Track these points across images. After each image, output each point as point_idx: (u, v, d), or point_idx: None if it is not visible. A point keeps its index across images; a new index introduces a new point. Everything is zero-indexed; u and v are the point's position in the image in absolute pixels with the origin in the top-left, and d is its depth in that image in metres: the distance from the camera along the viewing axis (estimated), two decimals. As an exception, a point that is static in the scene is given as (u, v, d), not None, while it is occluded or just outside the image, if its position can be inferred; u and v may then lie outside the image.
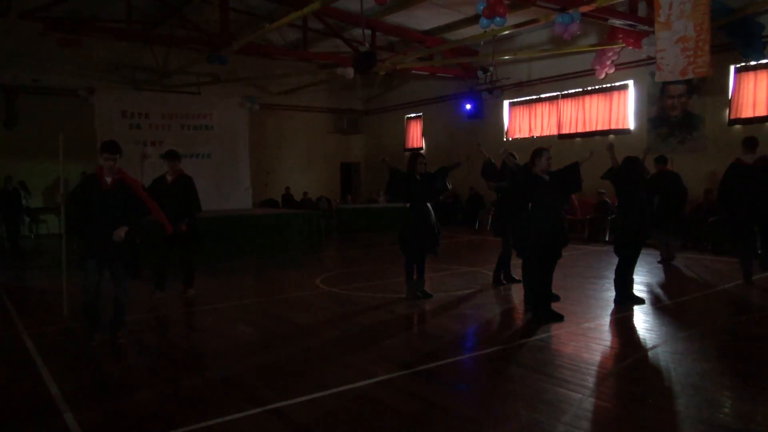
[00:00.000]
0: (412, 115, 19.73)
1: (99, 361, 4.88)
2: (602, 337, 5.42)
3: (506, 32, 11.85)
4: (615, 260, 6.67)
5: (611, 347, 5.14)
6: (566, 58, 14.04)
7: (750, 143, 7.75)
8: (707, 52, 8.90)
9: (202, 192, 15.60)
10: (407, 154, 19.07)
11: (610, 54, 12.85)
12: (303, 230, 13.71)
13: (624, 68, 13.16)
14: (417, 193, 6.92)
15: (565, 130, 14.82)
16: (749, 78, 11.40)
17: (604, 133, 13.97)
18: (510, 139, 16.19)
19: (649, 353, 4.89)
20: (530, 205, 5.99)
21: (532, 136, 15.51)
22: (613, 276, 6.67)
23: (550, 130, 15.19)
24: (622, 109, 13.60)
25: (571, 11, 9.59)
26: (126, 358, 5.02)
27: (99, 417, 3.75)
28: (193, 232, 7.49)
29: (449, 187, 7.33)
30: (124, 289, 5.24)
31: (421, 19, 14.39)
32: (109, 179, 5.11)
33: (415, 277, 7.11)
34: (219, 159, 15.74)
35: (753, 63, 11.21)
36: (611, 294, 6.72)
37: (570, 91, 14.64)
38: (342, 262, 10.63)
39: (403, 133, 20.07)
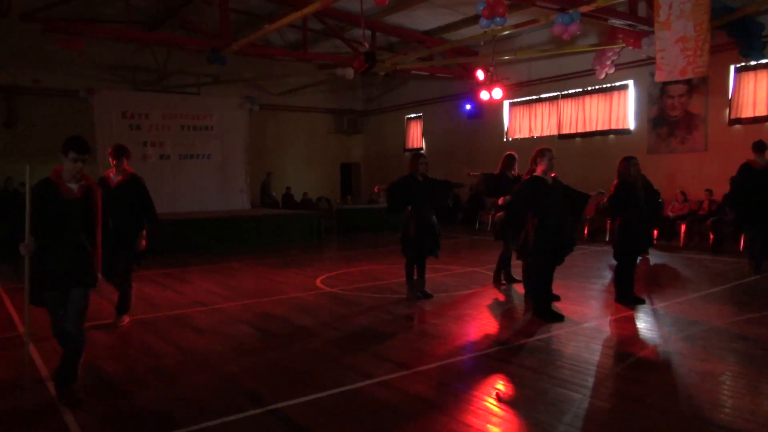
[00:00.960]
0: (412, 115, 19.74)
1: (99, 362, 4.87)
2: (602, 337, 5.42)
3: (506, 32, 11.85)
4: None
5: (611, 347, 5.13)
6: (566, 58, 14.05)
7: (760, 147, 8.02)
8: (707, 51, 8.90)
9: (203, 192, 15.76)
10: (407, 154, 19.18)
11: (610, 54, 12.87)
12: (303, 231, 13.71)
13: (624, 68, 13.16)
14: (418, 194, 6.91)
15: (565, 131, 14.82)
16: (749, 78, 11.41)
17: (604, 134, 13.99)
18: (510, 139, 16.20)
19: (650, 353, 4.89)
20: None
21: (532, 137, 15.51)
22: (613, 276, 6.66)
23: (550, 130, 15.19)
24: (623, 109, 13.61)
25: (570, 11, 9.59)
26: (126, 358, 5.01)
27: (99, 417, 3.74)
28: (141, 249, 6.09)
29: (450, 204, 7.30)
30: (80, 320, 4.04)
31: (421, 20, 14.40)
32: (74, 186, 4.01)
33: (415, 277, 7.11)
34: (219, 160, 15.76)
35: (753, 63, 11.21)
36: (611, 294, 6.71)
37: (570, 91, 14.65)
38: (342, 263, 10.63)
39: (403, 134, 20.08)
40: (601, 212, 6.87)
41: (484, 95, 12.92)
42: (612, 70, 13.11)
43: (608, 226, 12.22)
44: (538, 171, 5.95)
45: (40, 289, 3.99)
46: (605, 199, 6.67)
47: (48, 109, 14.89)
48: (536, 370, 4.44)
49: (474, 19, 12.67)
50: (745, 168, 8.10)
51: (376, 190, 7.62)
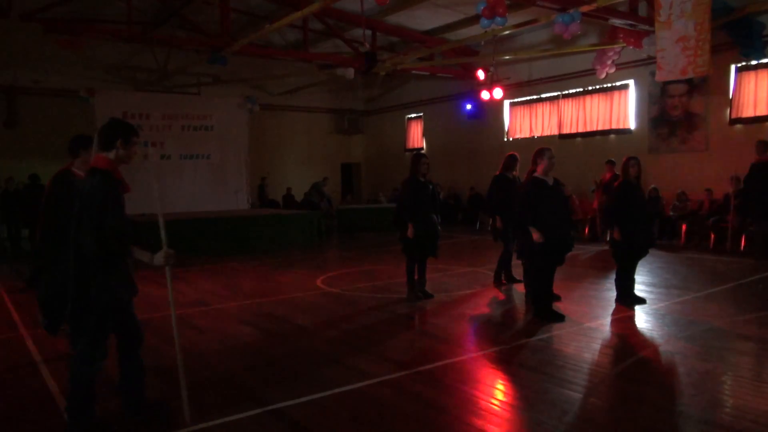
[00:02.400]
0: (413, 115, 19.73)
1: (99, 362, 4.87)
2: (603, 337, 5.41)
3: (506, 32, 11.84)
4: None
5: (612, 347, 5.13)
6: (567, 58, 14.03)
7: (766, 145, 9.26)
8: (708, 51, 8.89)
9: (203, 192, 15.79)
10: (408, 154, 19.17)
11: (611, 54, 12.84)
12: (304, 231, 13.71)
13: (625, 68, 13.15)
14: (421, 195, 6.89)
15: (566, 130, 14.82)
16: (750, 77, 11.39)
17: (604, 133, 13.98)
18: (510, 139, 16.19)
19: (651, 353, 4.88)
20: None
21: (533, 136, 15.50)
22: (614, 276, 6.67)
23: (551, 130, 15.18)
24: (623, 108, 13.60)
25: (571, 11, 9.58)
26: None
27: (99, 417, 3.74)
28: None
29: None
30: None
31: (422, 20, 14.39)
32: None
33: (416, 277, 7.11)
34: (219, 160, 15.77)
35: (754, 62, 11.21)
36: (612, 294, 6.71)
37: (571, 91, 14.64)
38: (343, 263, 10.63)
39: (403, 134, 20.08)
40: (607, 215, 6.85)
41: (484, 95, 12.91)
42: (612, 70, 13.10)
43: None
44: (539, 171, 5.93)
45: (107, 311, 3.34)
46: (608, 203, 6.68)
47: (49, 110, 14.90)
48: (537, 370, 4.44)
49: (474, 19, 12.66)
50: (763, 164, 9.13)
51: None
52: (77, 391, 3.38)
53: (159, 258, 3.33)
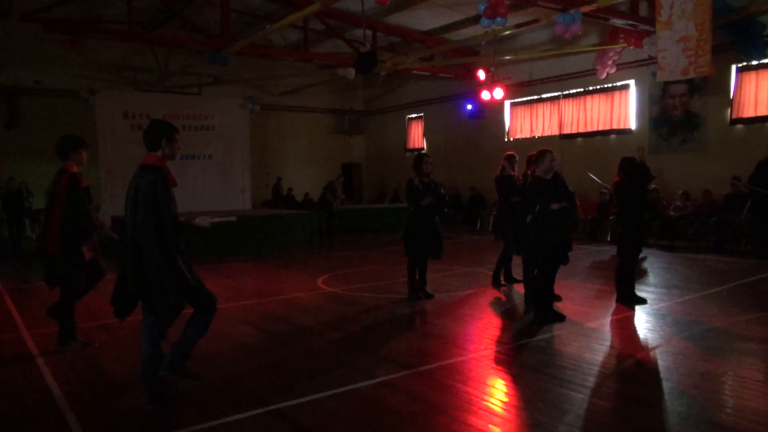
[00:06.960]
0: (414, 115, 19.74)
1: (100, 361, 4.88)
2: (604, 337, 5.41)
3: (507, 32, 11.84)
4: (616, 260, 6.66)
5: (613, 347, 5.13)
6: (567, 58, 14.03)
7: None
8: (708, 51, 8.89)
9: (204, 193, 15.77)
10: (409, 154, 19.17)
11: (612, 54, 12.84)
12: (304, 230, 13.71)
13: (625, 68, 13.14)
14: (421, 195, 6.88)
15: (567, 131, 14.82)
16: (751, 77, 11.39)
17: (605, 133, 13.98)
18: (511, 139, 16.19)
19: (651, 353, 4.88)
20: (536, 208, 5.94)
21: (534, 137, 15.50)
22: (614, 276, 6.66)
23: (552, 130, 15.18)
24: (624, 109, 13.60)
25: (572, 11, 9.57)
26: (127, 358, 5.01)
27: (100, 417, 3.75)
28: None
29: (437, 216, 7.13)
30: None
31: (422, 20, 14.39)
32: None
33: (416, 277, 7.10)
34: (220, 160, 15.78)
35: (754, 62, 11.21)
36: (613, 294, 6.70)
37: (571, 91, 14.64)
38: (343, 263, 10.62)
39: (404, 134, 20.08)
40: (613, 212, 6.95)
41: (485, 95, 12.90)
42: (613, 70, 13.09)
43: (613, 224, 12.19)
44: (539, 172, 5.95)
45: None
46: (613, 209, 6.73)
47: (49, 110, 14.90)
48: (537, 370, 4.44)
49: (475, 19, 12.65)
50: None
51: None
52: (190, 348, 4.01)
53: (203, 220, 4.04)
